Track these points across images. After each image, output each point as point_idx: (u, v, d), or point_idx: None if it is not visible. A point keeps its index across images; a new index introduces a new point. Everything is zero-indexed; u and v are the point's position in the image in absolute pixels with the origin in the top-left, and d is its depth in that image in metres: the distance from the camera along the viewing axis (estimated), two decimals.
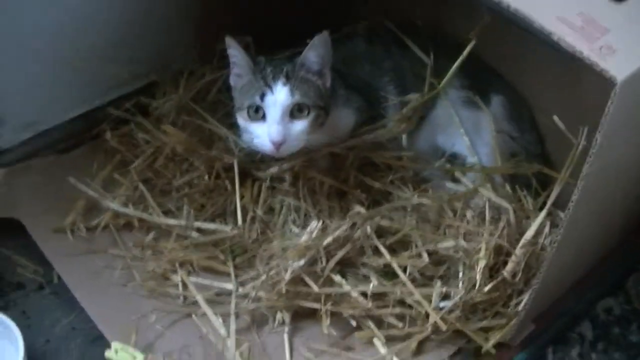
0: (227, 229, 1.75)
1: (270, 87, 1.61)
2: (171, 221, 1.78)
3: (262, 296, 1.63)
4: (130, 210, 1.81)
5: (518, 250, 1.60)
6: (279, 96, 1.60)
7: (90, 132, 1.98)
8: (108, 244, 1.79)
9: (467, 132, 1.87)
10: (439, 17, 1.99)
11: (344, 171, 1.77)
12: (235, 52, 1.68)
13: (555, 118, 1.58)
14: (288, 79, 1.62)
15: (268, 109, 1.61)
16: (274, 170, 1.76)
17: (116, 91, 2.01)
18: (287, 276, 1.59)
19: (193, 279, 1.71)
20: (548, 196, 1.65)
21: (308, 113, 1.63)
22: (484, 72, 1.95)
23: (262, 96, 1.61)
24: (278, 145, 1.60)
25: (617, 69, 1.13)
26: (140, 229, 1.82)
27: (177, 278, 1.71)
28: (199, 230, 1.78)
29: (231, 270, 1.71)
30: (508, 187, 1.79)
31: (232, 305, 1.66)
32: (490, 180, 1.78)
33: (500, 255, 1.64)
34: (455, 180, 1.85)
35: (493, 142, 1.84)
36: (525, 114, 1.95)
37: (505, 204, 1.71)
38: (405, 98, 1.84)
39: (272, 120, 1.60)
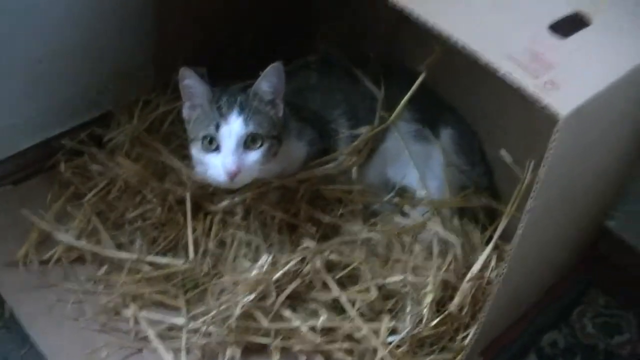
0: (178, 263, 1.74)
1: (224, 118, 1.61)
2: (123, 255, 1.77)
3: (213, 331, 1.62)
4: (82, 244, 1.79)
5: (464, 285, 1.60)
6: (234, 126, 1.61)
7: (45, 163, 1.96)
8: (60, 277, 1.76)
9: (417, 165, 1.88)
10: (393, 49, 2.01)
11: (294, 205, 1.77)
12: (191, 83, 1.68)
13: (503, 152, 1.61)
14: (242, 109, 1.62)
15: (223, 139, 1.61)
16: (225, 203, 1.77)
17: (71, 121, 2.00)
18: (237, 311, 1.59)
19: (145, 313, 1.70)
20: (495, 230, 1.66)
21: (262, 144, 1.63)
22: (435, 104, 1.97)
23: (217, 127, 1.61)
24: (233, 175, 1.60)
25: (561, 104, 1.15)
26: (92, 262, 1.80)
27: (128, 312, 1.69)
28: (151, 263, 1.76)
29: (182, 304, 1.70)
30: (457, 221, 1.80)
31: (183, 341, 1.65)
32: (439, 213, 1.79)
33: (447, 289, 1.64)
34: (405, 214, 1.85)
35: (443, 176, 1.86)
36: (475, 147, 1.97)
37: (452, 238, 1.72)
38: (355, 131, 1.85)
39: (226, 151, 1.60)
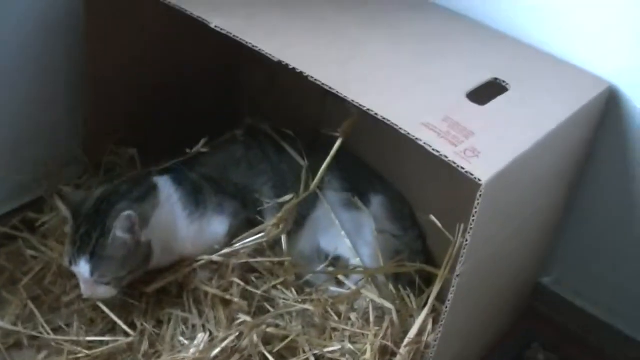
0: (119, 339, 1.73)
1: (75, 260, 1.67)
2: (60, 337, 1.74)
3: None
4: (19, 329, 1.76)
5: (403, 350, 1.60)
6: (82, 270, 1.66)
7: None
8: None
9: (349, 234, 1.89)
10: (320, 119, 2.04)
11: (226, 279, 1.77)
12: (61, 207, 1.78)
13: (432, 217, 1.63)
14: (92, 256, 1.66)
15: (75, 272, 1.69)
16: (156, 285, 1.77)
17: (3, 207, 1.97)
18: None
19: None
20: (430, 293, 1.67)
21: (109, 282, 1.68)
22: (364, 173, 1.99)
23: (70, 262, 1.68)
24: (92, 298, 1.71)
25: (481, 170, 1.18)
26: (30, 347, 1.76)
27: None
28: (89, 346, 1.74)
29: None
30: (392, 287, 1.81)
31: None
32: (373, 280, 1.79)
33: (385, 355, 1.64)
34: (340, 282, 1.85)
35: (374, 243, 1.87)
36: (406, 212, 1.98)
37: (387, 304, 1.72)
38: (279, 200, 1.86)
39: (80, 280, 1.69)
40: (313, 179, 1.85)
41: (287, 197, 1.86)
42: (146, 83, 2.00)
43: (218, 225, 1.81)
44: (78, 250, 1.66)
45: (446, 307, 1.33)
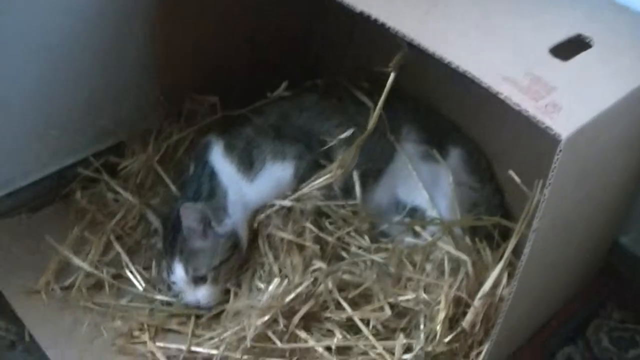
0: None
1: (170, 268, 1.75)
2: (139, 289, 1.83)
3: (229, 355, 1.64)
4: (101, 274, 1.82)
5: (477, 302, 1.61)
6: (177, 273, 1.74)
7: (61, 191, 1.99)
8: (79, 302, 1.78)
9: (426, 186, 1.89)
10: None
11: (299, 224, 1.79)
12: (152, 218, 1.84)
13: (511, 172, 1.63)
14: (181, 255, 1.73)
15: (175, 282, 1.75)
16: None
17: (86, 150, 2.02)
18: (250, 335, 1.61)
19: (160, 338, 1.73)
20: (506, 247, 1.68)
21: (206, 278, 1.73)
22: (442, 126, 1.99)
23: (168, 274, 1.76)
24: (200, 305, 1.77)
25: (562, 126, 1.17)
26: (111, 287, 1.82)
27: (144, 337, 1.72)
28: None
29: (194, 330, 1.73)
30: (468, 239, 1.82)
31: None
32: (450, 232, 1.80)
33: (459, 307, 1.66)
34: (416, 234, 1.86)
35: (452, 195, 1.87)
36: (484, 165, 1.98)
37: (463, 256, 1.73)
38: (342, 136, 1.87)
39: (182, 290, 1.76)
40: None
41: (349, 132, 1.87)
42: (221, 35, 2.03)
43: (281, 171, 1.84)
44: (170, 257, 1.74)
45: (521, 262, 1.33)
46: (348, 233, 1.83)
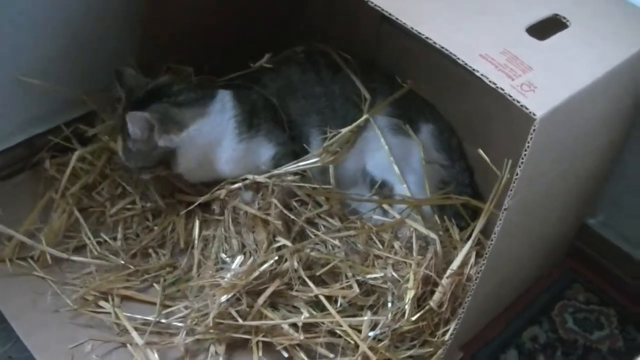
0: (162, 260, 1.80)
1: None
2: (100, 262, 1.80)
3: (195, 329, 1.63)
4: (61, 254, 1.79)
5: (444, 281, 1.62)
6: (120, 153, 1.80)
7: (31, 160, 1.98)
8: (43, 272, 1.77)
9: (396, 160, 1.88)
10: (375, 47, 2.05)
11: (266, 201, 1.77)
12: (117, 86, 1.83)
13: (480, 151, 1.63)
14: (123, 144, 1.77)
15: None
16: (206, 196, 1.80)
17: (56, 119, 2.00)
18: (213, 313, 1.60)
19: (126, 307, 1.72)
20: (475, 226, 1.68)
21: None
22: (414, 101, 1.98)
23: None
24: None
25: (537, 105, 1.17)
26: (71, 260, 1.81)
27: (108, 306, 1.71)
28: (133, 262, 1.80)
29: (157, 301, 1.71)
30: (437, 217, 1.83)
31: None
32: (418, 210, 1.80)
33: (427, 285, 1.66)
34: (384, 210, 1.86)
35: (421, 171, 1.87)
36: (455, 143, 1.98)
37: (432, 234, 1.73)
38: (332, 133, 1.86)
39: None
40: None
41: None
42: (203, 4, 2.00)
43: (264, 151, 1.83)
44: (121, 136, 1.75)
45: (491, 240, 1.33)
46: (318, 215, 1.81)
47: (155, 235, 1.85)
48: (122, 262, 1.78)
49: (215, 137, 1.79)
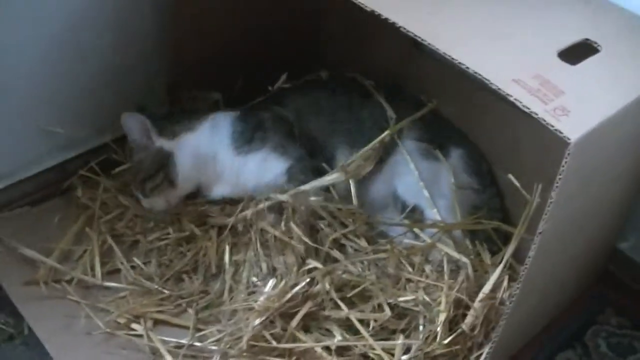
0: (195, 285, 1.80)
1: None
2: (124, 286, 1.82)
3: (229, 352, 1.63)
4: (93, 280, 1.81)
5: (476, 304, 1.61)
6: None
7: (63, 185, 1.99)
8: (78, 295, 1.78)
9: (427, 184, 1.89)
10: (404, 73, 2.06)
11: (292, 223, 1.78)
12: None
13: (510, 176, 1.65)
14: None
15: None
16: (233, 218, 1.82)
17: (87, 144, 2.02)
18: (247, 336, 1.61)
19: (158, 331, 1.72)
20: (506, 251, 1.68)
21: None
22: (444, 126, 1.99)
23: None
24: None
25: (571, 129, 1.17)
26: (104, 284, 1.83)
27: (140, 329, 1.71)
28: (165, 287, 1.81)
29: (191, 324, 1.71)
30: (468, 242, 1.82)
31: None
32: (450, 234, 1.80)
33: (459, 309, 1.66)
34: (415, 234, 1.86)
35: (452, 195, 1.87)
36: (485, 169, 1.98)
37: (463, 258, 1.73)
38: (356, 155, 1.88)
39: None
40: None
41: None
42: (227, 31, 2.03)
43: (275, 164, 1.85)
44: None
45: (526, 265, 1.33)
46: (345, 235, 1.82)
47: (187, 261, 1.85)
48: (156, 286, 1.79)
49: (208, 150, 1.85)
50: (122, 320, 1.73)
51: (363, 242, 1.82)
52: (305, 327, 1.68)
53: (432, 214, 1.88)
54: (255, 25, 2.08)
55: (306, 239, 1.74)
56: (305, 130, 1.91)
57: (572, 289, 1.88)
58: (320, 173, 1.85)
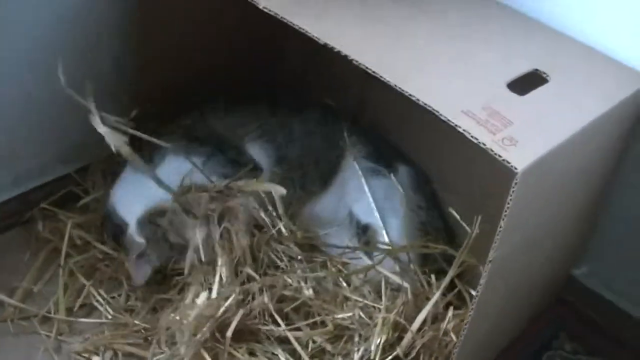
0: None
1: None
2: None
3: None
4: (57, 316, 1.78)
5: (414, 325, 1.62)
6: None
7: (24, 215, 1.96)
8: (44, 330, 1.76)
9: (380, 202, 1.88)
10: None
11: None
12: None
13: (451, 209, 1.74)
14: None
15: None
16: None
17: (49, 174, 1.99)
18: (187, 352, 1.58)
19: None
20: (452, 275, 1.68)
21: None
22: (391, 148, 2.00)
23: None
24: None
25: (518, 159, 1.19)
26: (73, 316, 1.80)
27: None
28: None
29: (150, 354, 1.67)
30: (413, 266, 1.80)
31: None
32: (396, 256, 1.80)
33: (397, 332, 1.64)
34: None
35: (403, 212, 1.87)
36: (429, 190, 1.98)
37: (403, 282, 1.72)
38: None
39: None
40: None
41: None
42: (190, 58, 2.03)
43: (183, 164, 1.81)
44: None
45: (477, 292, 1.34)
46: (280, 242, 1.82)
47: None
48: (135, 321, 1.76)
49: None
50: (81, 350, 1.71)
51: (297, 249, 1.82)
52: (251, 352, 1.66)
53: (382, 234, 1.86)
54: (219, 55, 2.09)
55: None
56: (204, 128, 1.91)
57: (526, 316, 1.89)
58: (235, 163, 1.85)
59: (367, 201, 1.89)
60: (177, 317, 1.63)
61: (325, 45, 1.38)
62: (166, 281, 1.83)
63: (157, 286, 1.83)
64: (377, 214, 1.87)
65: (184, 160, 1.81)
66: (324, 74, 2.10)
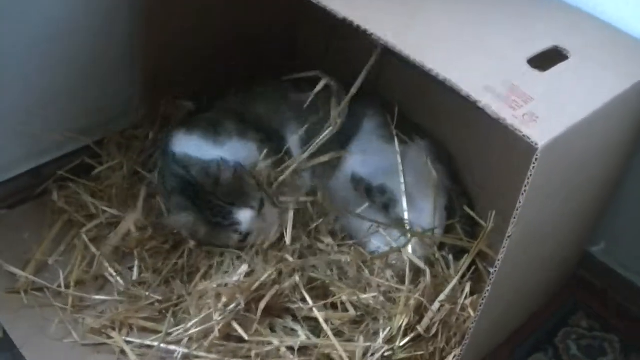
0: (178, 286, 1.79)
1: None
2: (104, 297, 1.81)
3: (198, 355, 1.63)
4: (69, 292, 1.79)
5: (435, 305, 1.63)
6: None
7: (38, 189, 1.97)
8: (58, 302, 1.77)
9: (388, 168, 1.88)
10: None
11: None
12: None
13: (466, 208, 1.80)
14: None
15: None
16: None
17: (63, 149, 2.00)
18: (218, 326, 1.62)
19: (132, 336, 1.71)
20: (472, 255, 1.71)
21: None
22: (409, 122, 1.99)
23: None
24: None
25: (539, 135, 1.18)
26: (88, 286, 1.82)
27: (114, 334, 1.70)
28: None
29: (165, 329, 1.69)
30: (436, 249, 1.80)
31: None
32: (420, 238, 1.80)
33: (420, 314, 1.66)
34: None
35: (425, 171, 1.87)
36: (450, 164, 1.97)
37: (422, 265, 1.72)
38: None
39: None
40: None
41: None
42: (205, 38, 2.03)
43: (246, 150, 1.85)
44: None
45: (495, 267, 1.34)
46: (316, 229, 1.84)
47: (172, 266, 1.84)
48: (146, 293, 1.78)
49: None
50: (96, 324, 1.72)
51: (329, 240, 1.84)
52: (271, 327, 1.68)
53: (402, 198, 1.86)
54: (233, 32, 2.08)
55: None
56: (254, 114, 1.93)
57: (543, 292, 1.90)
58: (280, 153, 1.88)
59: (378, 162, 1.89)
60: (214, 285, 1.68)
61: (344, 20, 1.37)
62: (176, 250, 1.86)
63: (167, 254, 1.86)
64: (394, 177, 1.87)
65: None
66: (342, 50, 2.09)
